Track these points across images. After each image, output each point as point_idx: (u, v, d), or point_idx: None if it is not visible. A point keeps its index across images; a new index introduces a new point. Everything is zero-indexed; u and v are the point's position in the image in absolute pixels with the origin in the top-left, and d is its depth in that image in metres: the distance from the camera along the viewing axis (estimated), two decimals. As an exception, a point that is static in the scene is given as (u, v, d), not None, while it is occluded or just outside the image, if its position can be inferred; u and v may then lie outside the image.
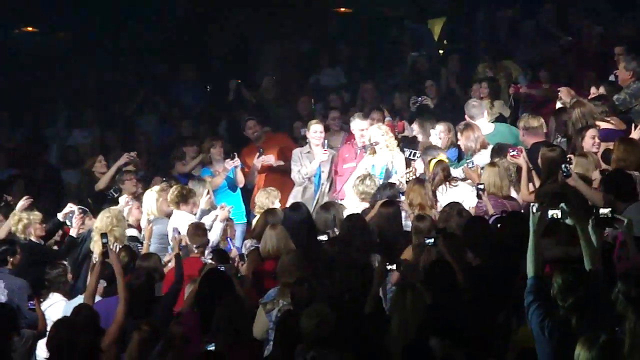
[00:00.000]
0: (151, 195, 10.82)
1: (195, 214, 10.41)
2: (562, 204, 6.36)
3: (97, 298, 8.96)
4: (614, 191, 7.81)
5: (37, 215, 10.53)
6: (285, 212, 9.60)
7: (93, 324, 7.75)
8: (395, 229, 9.01)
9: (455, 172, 10.18)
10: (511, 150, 9.53)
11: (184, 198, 10.41)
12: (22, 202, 10.49)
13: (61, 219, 10.53)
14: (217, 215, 10.24)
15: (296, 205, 9.68)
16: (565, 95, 10.54)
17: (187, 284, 8.65)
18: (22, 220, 10.37)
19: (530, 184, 9.43)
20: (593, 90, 10.56)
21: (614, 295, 6.16)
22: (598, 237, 6.38)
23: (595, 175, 8.97)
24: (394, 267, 7.68)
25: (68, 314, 8.63)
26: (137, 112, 15.69)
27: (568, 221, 6.34)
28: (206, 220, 10.27)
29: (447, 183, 9.88)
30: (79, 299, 8.82)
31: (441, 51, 14.78)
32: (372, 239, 8.79)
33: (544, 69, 12.57)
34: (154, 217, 10.66)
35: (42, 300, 9.26)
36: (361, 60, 15.32)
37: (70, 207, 10.45)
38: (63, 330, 7.52)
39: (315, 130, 11.51)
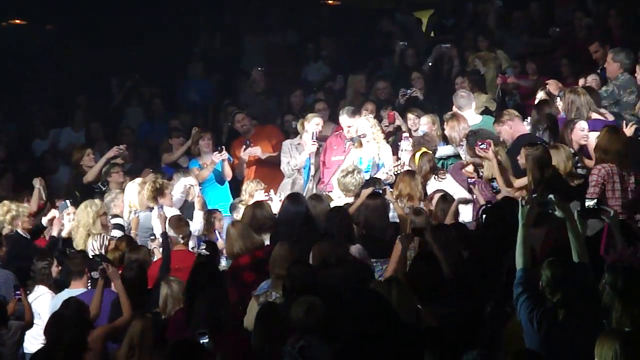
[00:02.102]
0: (133, 188, 10.79)
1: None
2: (551, 195, 6.38)
3: (82, 290, 8.99)
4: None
5: (26, 208, 10.54)
6: (283, 202, 9.59)
7: (81, 318, 7.75)
8: (382, 220, 9.02)
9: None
10: (480, 144, 9.46)
11: (160, 192, 10.39)
12: None
13: (45, 224, 10.48)
14: (190, 186, 10.34)
15: (295, 196, 9.68)
16: (553, 88, 10.55)
17: (173, 275, 8.66)
18: (11, 212, 10.37)
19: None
20: (581, 81, 10.55)
21: (600, 286, 6.19)
22: (584, 229, 6.41)
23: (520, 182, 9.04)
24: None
25: (54, 307, 8.66)
26: (123, 104, 15.63)
27: (557, 213, 6.36)
28: (176, 193, 10.32)
29: (436, 176, 9.89)
30: (66, 293, 8.84)
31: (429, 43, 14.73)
32: (351, 231, 8.78)
33: (531, 60, 12.57)
34: (136, 210, 10.63)
35: (28, 292, 9.25)
36: (350, 52, 15.27)
37: (53, 212, 10.38)
38: (52, 323, 7.55)
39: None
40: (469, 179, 9.47)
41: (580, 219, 6.44)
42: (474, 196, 9.45)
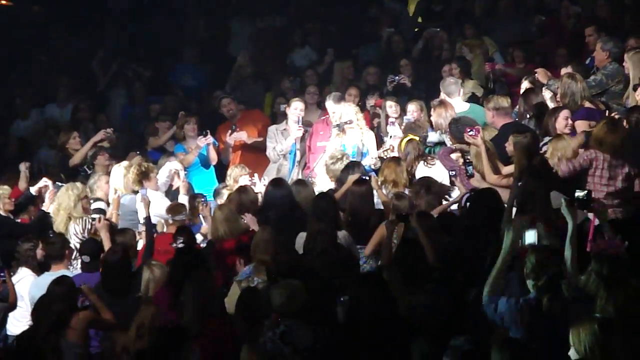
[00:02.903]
0: (119, 171, 10.74)
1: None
2: (563, 198, 6.43)
3: (77, 271, 8.97)
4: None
5: (6, 189, 10.47)
6: (266, 187, 9.58)
7: (69, 296, 7.73)
8: (368, 207, 9.01)
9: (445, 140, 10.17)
10: (469, 130, 9.42)
11: (145, 175, 10.38)
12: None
13: (34, 193, 10.46)
14: (175, 170, 10.39)
15: (278, 181, 9.66)
16: (542, 77, 10.48)
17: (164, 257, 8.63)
18: None
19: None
20: (564, 70, 10.53)
21: (586, 274, 6.21)
22: (573, 219, 6.41)
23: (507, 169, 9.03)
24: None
25: (36, 288, 8.63)
26: (108, 86, 15.55)
27: (564, 211, 6.38)
28: (161, 177, 10.38)
29: (425, 162, 9.87)
30: (47, 276, 8.82)
31: (416, 29, 14.68)
32: (338, 217, 8.78)
33: (518, 48, 12.54)
34: (121, 194, 10.60)
35: (11, 274, 9.21)
36: (337, 38, 15.21)
37: (45, 181, 10.37)
38: (41, 300, 7.55)
39: (296, 107, 11.47)
40: (450, 171, 9.43)
41: (569, 208, 6.44)
42: (456, 185, 9.42)
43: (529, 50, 12.64)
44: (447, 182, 9.56)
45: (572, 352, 5.34)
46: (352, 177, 9.40)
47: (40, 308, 7.76)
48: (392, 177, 9.49)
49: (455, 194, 9.26)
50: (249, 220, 8.99)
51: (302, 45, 15.15)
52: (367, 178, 9.42)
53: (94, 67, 15.23)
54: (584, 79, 10.05)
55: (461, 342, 5.10)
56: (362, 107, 11.81)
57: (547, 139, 9.26)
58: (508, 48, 12.92)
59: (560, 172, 8.47)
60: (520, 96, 10.53)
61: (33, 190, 10.42)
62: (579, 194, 6.88)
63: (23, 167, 11.45)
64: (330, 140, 11.03)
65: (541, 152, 8.96)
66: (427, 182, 9.00)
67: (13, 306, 8.89)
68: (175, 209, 9.72)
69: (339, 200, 9.10)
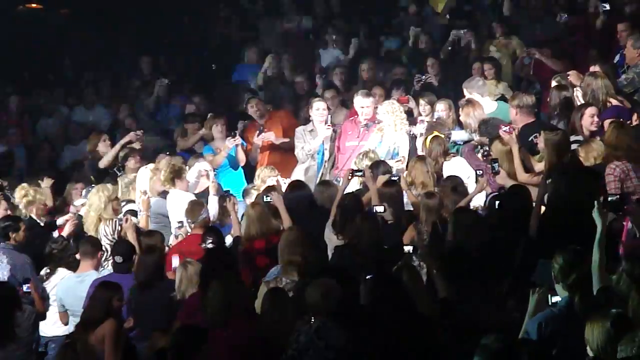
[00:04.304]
0: (145, 173, 10.74)
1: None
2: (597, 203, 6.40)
3: (107, 272, 9.04)
4: None
5: (43, 195, 10.57)
6: (285, 190, 9.60)
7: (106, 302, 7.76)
8: (398, 208, 8.99)
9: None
10: (503, 127, 9.39)
11: (178, 174, 10.37)
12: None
13: (59, 224, 10.49)
14: (205, 171, 10.49)
15: (297, 183, 9.67)
16: (574, 79, 10.39)
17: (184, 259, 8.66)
18: (28, 196, 10.44)
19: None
20: (592, 68, 10.46)
21: (617, 275, 6.18)
22: (603, 222, 6.37)
23: (539, 166, 8.98)
24: (411, 249, 7.82)
25: (64, 290, 8.85)
26: (140, 89, 15.65)
27: (595, 215, 6.36)
28: (190, 178, 10.43)
29: (449, 159, 9.88)
30: (74, 277, 9.03)
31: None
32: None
33: (547, 46, 12.48)
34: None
35: (49, 273, 9.35)
36: (362, 36, 15.21)
37: (71, 214, 10.36)
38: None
39: (317, 108, 11.49)
40: (477, 170, 9.41)
41: (600, 211, 6.41)
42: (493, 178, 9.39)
43: (558, 48, 12.58)
44: (472, 179, 9.54)
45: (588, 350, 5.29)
46: (382, 178, 9.41)
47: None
48: (420, 178, 9.47)
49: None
50: (275, 199, 8.97)
51: (330, 45, 15.15)
52: (397, 179, 9.42)
53: (158, 92, 15.18)
54: (608, 76, 10.00)
55: (491, 340, 5.09)
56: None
57: (573, 137, 9.22)
58: (536, 47, 12.85)
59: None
60: (553, 89, 10.47)
61: (60, 221, 10.38)
62: (612, 197, 6.84)
63: (47, 183, 11.38)
64: (361, 139, 11.03)
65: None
66: (455, 182, 9.00)
67: (42, 315, 9.01)
68: (193, 211, 9.63)
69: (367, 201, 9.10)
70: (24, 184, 10.83)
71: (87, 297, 8.25)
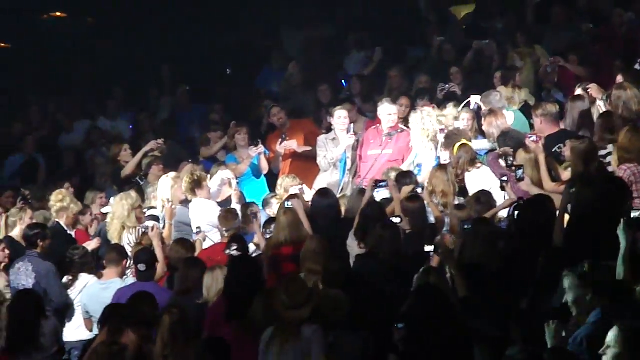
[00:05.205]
0: (166, 182, 10.73)
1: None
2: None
3: (131, 280, 9.08)
4: None
5: (77, 205, 10.64)
6: (313, 197, 9.61)
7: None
8: (422, 222, 8.98)
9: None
10: (530, 136, 9.36)
11: (198, 184, 10.37)
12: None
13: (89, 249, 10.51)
14: (228, 179, 10.59)
15: (324, 191, 9.69)
16: (595, 93, 10.33)
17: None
18: (63, 202, 10.53)
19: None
20: (619, 78, 10.40)
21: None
22: (627, 238, 6.35)
23: (566, 175, 8.94)
24: (432, 248, 7.76)
25: (88, 297, 8.92)
26: (161, 97, 15.73)
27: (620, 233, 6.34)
28: (213, 186, 10.47)
29: (470, 166, 9.87)
30: (97, 285, 9.11)
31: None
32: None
33: (573, 53, 12.43)
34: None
35: (72, 280, 9.46)
36: (387, 45, 15.23)
37: (98, 242, 10.39)
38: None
39: (339, 116, 11.50)
40: (501, 178, 9.39)
41: (625, 227, 6.39)
42: (506, 193, 9.37)
43: (582, 56, 12.56)
44: (496, 187, 9.52)
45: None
46: (406, 188, 9.42)
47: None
48: (441, 187, 9.46)
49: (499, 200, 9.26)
50: (296, 206, 9.00)
51: (354, 50, 15.16)
52: (420, 191, 9.41)
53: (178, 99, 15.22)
54: (634, 86, 9.95)
55: (516, 351, 5.09)
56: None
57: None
58: (560, 55, 12.82)
59: None
60: (569, 99, 10.43)
61: (89, 247, 10.23)
62: (635, 214, 6.81)
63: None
64: (384, 147, 11.04)
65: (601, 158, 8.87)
66: (478, 194, 9.00)
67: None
68: (227, 219, 9.70)
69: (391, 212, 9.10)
70: (63, 190, 10.92)
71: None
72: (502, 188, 9.30)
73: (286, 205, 9.15)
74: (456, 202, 9.32)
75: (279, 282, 7.57)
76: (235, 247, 8.84)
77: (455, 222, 8.63)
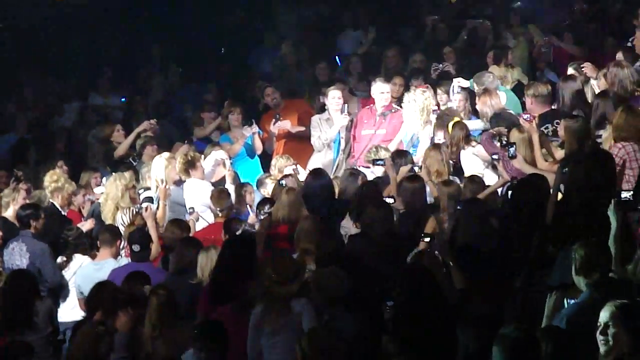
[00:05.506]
0: (160, 162, 10.66)
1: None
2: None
3: (125, 260, 9.08)
4: None
5: (72, 185, 10.62)
6: (306, 177, 9.62)
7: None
8: (421, 202, 8.97)
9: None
10: (524, 115, 9.37)
11: (192, 164, 10.38)
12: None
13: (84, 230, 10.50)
14: (221, 160, 10.56)
15: (318, 171, 9.69)
16: (590, 71, 10.34)
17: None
18: (58, 182, 10.49)
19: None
20: (619, 56, 10.37)
21: (633, 263, 6.17)
22: (618, 219, 6.36)
23: (560, 154, 8.95)
24: (428, 239, 7.79)
25: (82, 278, 8.94)
26: (153, 77, 15.69)
27: (610, 213, 6.35)
28: (207, 166, 10.46)
29: (465, 144, 9.88)
30: (92, 265, 9.11)
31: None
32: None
33: (568, 31, 12.41)
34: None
35: (66, 261, 9.45)
36: (382, 24, 15.20)
37: (93, 223, 10.38)
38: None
39: (333, 96, 11.48)
40: (492, 155, 9.40)
41: (615, 210, 6.40)
42: (498, 171, 9.40)
43: (576, 35, 12.55)
44: (491, 165, 9.54)
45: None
46: (404, 168, 9.43)
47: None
48: (435, 167, 9.48)
49: (493, 179, 9.27)
50: (290, 183, 9.01)
51: (350, 29, 15.12)
52: (419, 169, 9.41)
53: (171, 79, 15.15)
54: (631, 65, 9.94)
55: (510, 330, 5.11)
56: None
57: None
58: (555, 34, 12.82)
59: None
60: (561, 79, 10.43)
61: (84, 228, 10.22)
62: (625, 195, 6.81)
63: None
64: (377, 127, 11.04)
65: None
66: (472, 176, 9.01)
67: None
68: (220, 199, 9.67)
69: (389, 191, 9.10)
70: (57, 170, 10.91)
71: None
72: (494, 167, 9.32)
73: (280, 184, 9.15)
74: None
75: (267, 258, 7.58)
76: (268, 208, 8.83)
77: (444, 198, 8.63)
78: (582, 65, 10.45)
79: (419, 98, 10.82)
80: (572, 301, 6.04)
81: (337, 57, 14.52)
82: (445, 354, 6.21)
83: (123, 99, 15.04)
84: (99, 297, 7.70)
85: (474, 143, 9.88)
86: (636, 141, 8.23)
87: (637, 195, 6.82)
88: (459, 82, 11.14)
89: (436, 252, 7.76)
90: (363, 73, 13.56)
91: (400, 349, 6.20)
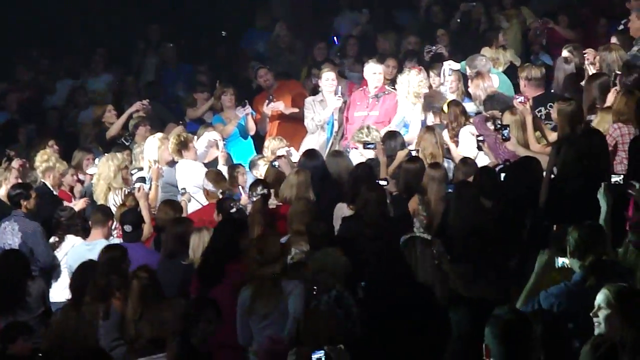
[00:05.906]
0: (153, 143, 10.65)
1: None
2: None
3: (117, 241, 9.07)
4: None
5: (63, 165, 10.59)
6: (299, 158, 9.61)
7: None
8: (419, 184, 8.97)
9: None
10: (518, 97, 9.37)
11: (184, 145, 10.37)
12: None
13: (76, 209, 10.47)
14: (214, 141, 10.58)
15: (311, 152, 9.69)
16: (591, 57, 10.33)
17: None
18: (49, 162, 10.47)
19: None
20: (613, 39, 10.36)
21: (623, 247, 6.18)
22: (607, 201, 6.37)
23: (553, 137, 8.94)
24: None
25: (74, 258, 8.85)
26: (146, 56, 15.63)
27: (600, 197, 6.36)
28: (200, 147, 10.45)
29: (465, 119, 9.87)
30: (83, 245, 9.06)
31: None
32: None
33: (564, 13, 12.39)
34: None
35: (59, 241, 9.41)
36: (375, 6, 15.16)
37: (86, 202, 10.36)
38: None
39: (327, 78, 11.46)
40: (478, 137, 9.39)
41: (605, 193, 6.41)
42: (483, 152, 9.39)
43: (570, 18, 12.53)
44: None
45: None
46: (401, 153, 9.40)
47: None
48: (429, 149, 9.47)
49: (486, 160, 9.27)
50: (282, 164, 8.99)
51: (346, 10, 15.07)
52: (417, 153, 9.41)
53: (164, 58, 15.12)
54: (622, 48, 9.93)
55: (504, 311, 5.11)
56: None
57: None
58: (550, 16, 12.78)
59: None
60: (557, 61, 10.41)
61: (76, 207, 10.13)
62: (615, 179, 6.82)
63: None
64: (370, 109, 11.00)
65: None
66: (464, 158, 9.01)
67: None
68: (217, 180, 9.64)
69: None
70: (47, 150, 10.87)
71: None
72: (479, 148, 9.30)
73: (272, 165, 9.13)
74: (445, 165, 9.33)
75: (252, 239, 7.60)
76: (260, 189, 8.79)
77: (429, 181, 8.61)
78: (584, 52, 10.42)
79: (413, 79, 10.81)
80: (564, 260, 6.05)
81: (335, 38, 14.46)
82: (431, 337, 6.20)
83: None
84: (84, 278, 7.67)
85: (471, 120, 9.88)
86: (633, 125, 8.24)
87: (627, 178, 6.83)
88: (449, 65, 11.13)
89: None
90: (358, 55, 13.52)
91: (366, 330, 6.24)
